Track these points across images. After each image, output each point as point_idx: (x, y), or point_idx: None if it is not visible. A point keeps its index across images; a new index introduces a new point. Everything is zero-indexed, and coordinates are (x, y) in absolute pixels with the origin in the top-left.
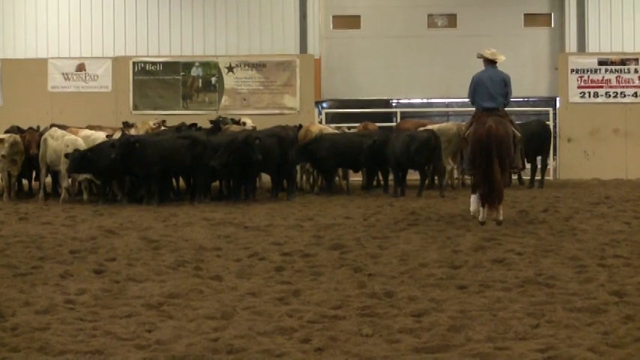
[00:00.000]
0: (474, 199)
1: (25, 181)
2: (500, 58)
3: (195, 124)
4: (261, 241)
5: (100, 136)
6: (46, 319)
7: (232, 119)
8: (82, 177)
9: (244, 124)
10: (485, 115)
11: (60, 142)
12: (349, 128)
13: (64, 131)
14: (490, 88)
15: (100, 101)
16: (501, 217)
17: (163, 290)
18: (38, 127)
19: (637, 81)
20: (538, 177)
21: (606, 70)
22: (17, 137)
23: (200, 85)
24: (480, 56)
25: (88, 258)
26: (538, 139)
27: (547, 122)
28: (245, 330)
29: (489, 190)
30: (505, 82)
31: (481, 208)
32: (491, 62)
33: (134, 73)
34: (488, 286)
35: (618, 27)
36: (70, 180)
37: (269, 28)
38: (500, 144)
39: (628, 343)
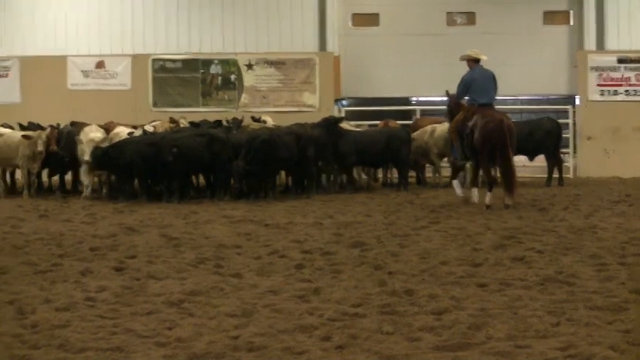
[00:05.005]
0: (456, 184)
1: (45, 179)
2: (483, 57)
3: (219, 121)
4: (281, 238)
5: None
6: (66, 316)
7: (252, 117)
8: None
9: (265, 122)
10: (484, 109)
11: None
12: (370, 126)
13: (94, 126)
14: (483, 84)
15: (119, 99)
16: (512, 202)
17: (184, 288)
18: (58, 124)
19: None
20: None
21: (625, 68)
22: (47, 134)
23: (219, 82)
24: (465, 57)
25: (108, 255)
26: (550, 136)
27: (558, 120)
28: (265, 328)
29: (509, 178)
30: (493, 78)
31: (488, 193)
32: (476, 61)
33: (153, 71)
34: (509, 284)
35: (637, 25)
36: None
37: (288, 26)
38: (511, 135)
39: None
